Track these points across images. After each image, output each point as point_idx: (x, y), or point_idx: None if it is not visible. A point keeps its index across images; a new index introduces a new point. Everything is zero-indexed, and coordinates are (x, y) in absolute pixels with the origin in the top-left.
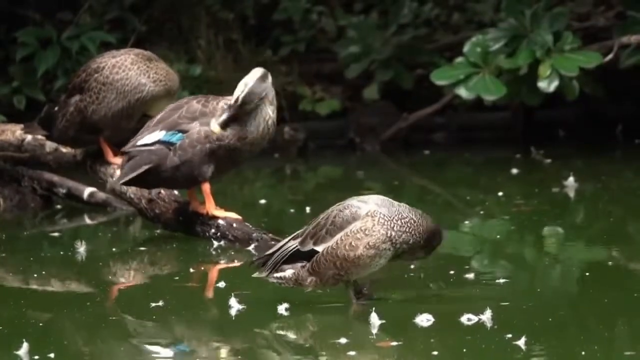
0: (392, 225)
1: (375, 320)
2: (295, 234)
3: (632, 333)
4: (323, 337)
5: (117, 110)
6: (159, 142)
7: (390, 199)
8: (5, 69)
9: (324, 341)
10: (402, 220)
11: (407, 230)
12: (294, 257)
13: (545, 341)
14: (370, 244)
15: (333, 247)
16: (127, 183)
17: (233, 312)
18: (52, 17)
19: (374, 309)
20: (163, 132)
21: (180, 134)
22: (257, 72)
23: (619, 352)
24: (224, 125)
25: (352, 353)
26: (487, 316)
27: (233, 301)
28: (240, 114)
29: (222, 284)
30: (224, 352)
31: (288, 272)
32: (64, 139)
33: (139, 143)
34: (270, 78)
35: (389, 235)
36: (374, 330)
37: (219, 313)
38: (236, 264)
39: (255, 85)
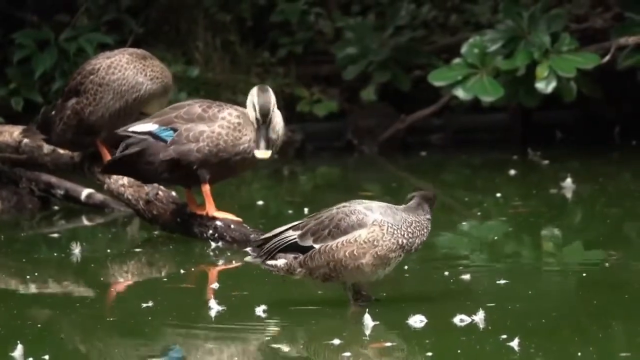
0: (401, 233)
1: (368, 321)
2: (295, 224)
3: (628, 334)
4: (316, 338)
5: (114, 111)
6: (150, 133)
7: (388, 204)
8: (3, 71)
9: (317, 342)
10: (411, 227)
11: (418, 234)
12: (290, 247)
13: (539, 342)
14: (378, 254)
15: (332, 248)
16: (115, 165)
17: (213, 313)
18: (49, 19)
19: (367, 310)
20: (156, 126)
21: (171, 131)
22: (255, 88)
23: (614, 353)
24: (268, 146)
25: (346, 354)
26: (479, 317)
27: (213, 302)
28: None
29: (215, 285)
30: (213, 355)
31: (280, 261)
32: (62, 142)
33: (130, 129)
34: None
35: (400, 243)
36: (367, 332)
37: (209, 315)
38: (233, 265)
39: (262, 99)
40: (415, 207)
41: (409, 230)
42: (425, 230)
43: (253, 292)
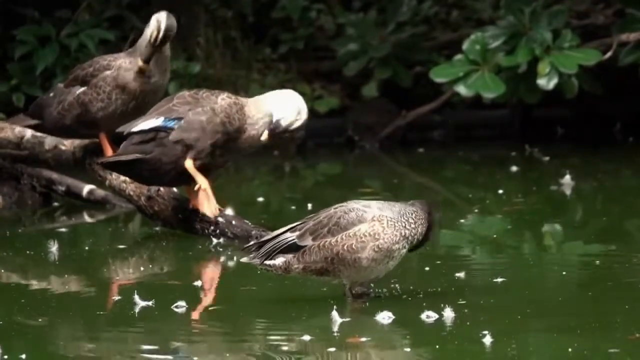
0: (402, 224)
1: (336, 317)
2: (292, 225)
3: (623, 330)
4: (287, 333)
5: (123, 110)
6: (157, 128)
7: (385, 201)
8: (4, 67)
9: (289, 337)
10: (412, 217)
11: (420, 222)
12: (289, 249)
13: (516, 339)
14: (379, 247)
15: (331, 243)
16: (115, 164)
17: (137, 309)
18: (50, 14)
19: (335, 307)
20: (161, 119)
21: (176, 120)
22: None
23: (607, 348)
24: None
25: (320, 351)
26: (447, 314)
27: (137, 298)
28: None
29: (198, 283)
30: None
31: (279, 260)
32: (57, 126)
33: (135, 130)
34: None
35: (402, 234)
36: (335, 328)
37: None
38: (232, 262)
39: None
40: (411, 204)
41: (410, 220)
42: (423, 219)
43: (243, 288)
